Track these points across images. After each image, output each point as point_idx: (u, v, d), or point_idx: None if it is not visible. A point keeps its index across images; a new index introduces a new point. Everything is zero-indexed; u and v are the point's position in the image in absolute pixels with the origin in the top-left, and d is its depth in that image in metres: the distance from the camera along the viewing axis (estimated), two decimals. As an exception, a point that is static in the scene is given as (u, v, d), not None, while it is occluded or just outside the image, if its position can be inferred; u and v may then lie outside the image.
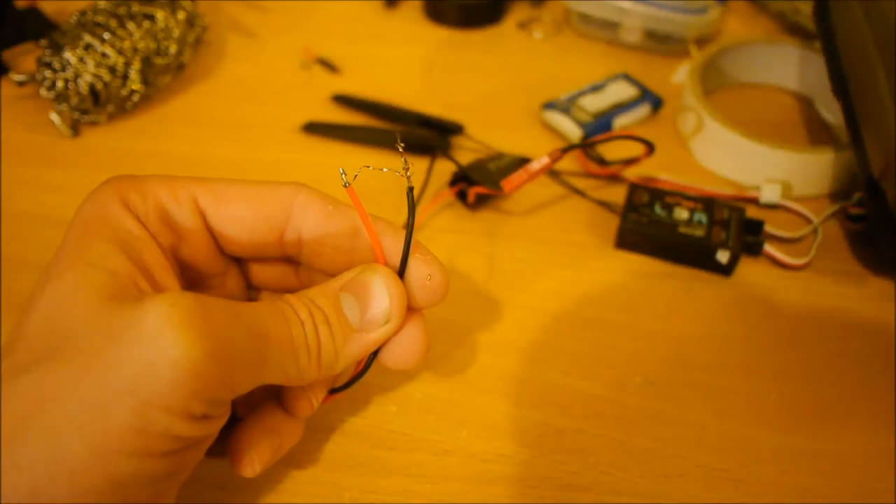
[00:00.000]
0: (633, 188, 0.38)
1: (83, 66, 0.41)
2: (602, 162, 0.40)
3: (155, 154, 0.42)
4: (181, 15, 0.45)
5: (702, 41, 0.49)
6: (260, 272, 0.27)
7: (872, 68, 0.34)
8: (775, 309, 0.34)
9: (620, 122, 0.44)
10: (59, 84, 0.41)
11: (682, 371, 0.32)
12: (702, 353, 0.32)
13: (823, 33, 0.39)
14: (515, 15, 0.54)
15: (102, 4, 0.43)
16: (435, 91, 0.47)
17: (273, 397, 0.26)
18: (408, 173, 0.23)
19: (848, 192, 0.39)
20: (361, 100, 0.45)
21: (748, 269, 0.36)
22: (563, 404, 0.30)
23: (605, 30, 0.51)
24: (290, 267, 0.27)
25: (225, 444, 0.24)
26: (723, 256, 0.35)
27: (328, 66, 0.49)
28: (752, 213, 0.38)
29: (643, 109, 0.44)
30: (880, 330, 0.33)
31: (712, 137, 0.41)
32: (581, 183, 0.40)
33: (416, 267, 0.24)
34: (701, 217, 0.36)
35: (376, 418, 0.30)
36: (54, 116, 0.42)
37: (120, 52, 0.42)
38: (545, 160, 0.35)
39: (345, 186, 0.22)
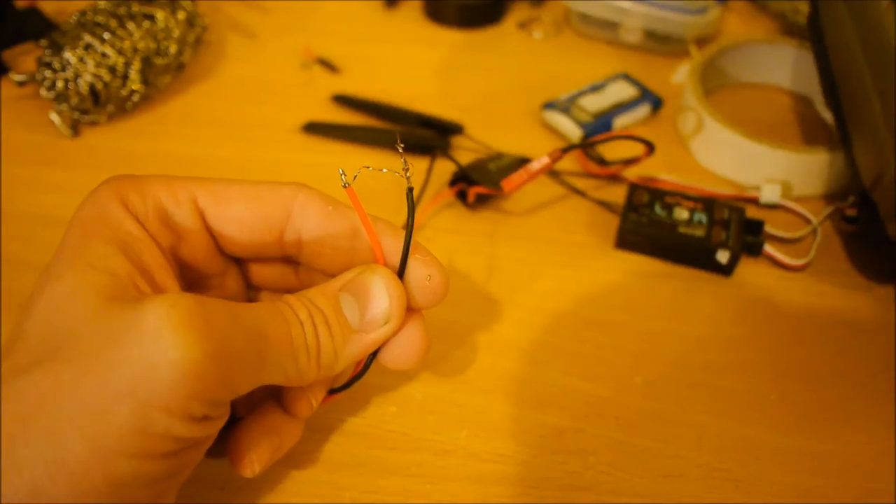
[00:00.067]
0: (633, 188, 0.38)
1: (83, 66, 0.41)
2: (602, 162, 0.40)
3: (155, 154, 0.42)
4: (181, 15, 0.45)
5: (702, 41, 0.49)
6: (260, 272, 0.27)
7: (862, 80, 0.34)
8: (775, 309, 0.34)
9: (620, 122, 0.44)
10: (59, 84, 0.41)
11: (682, 371, 0.32)
12: (702, 353, 0.32)
13: (816, 45, 0.39)
14: (515, 15, 0.54)
15: (102, 4, 0.43)
16: (435, 91, 0.47)
17: (273, 397, 0.26)
18: (408, 173, 0.23)
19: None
20: (361, 100, 0.45)
21: (748, 269, 0.36)
22: (563, 404, 0.30)
23: (605, 30, 0.51)
24: (289, 267, 0.27)
25: (225, 444, 0.24)
26: (723, 256, 0.35)
27: (328, 66, 0.48)
28: (752, 213, 0.38)
29: (643, 109, 0.44)
30: (880, 330, 0.33)
31: (712, 137, 0.41)
32: (581, 183, 0.40)
33: (415, 267, 0.24)
34: (701, 217, 0.36)
35: (376, 418, 0.30)
36: (54, 116, 0.42)
37: (120, 52, 0.42)
38: (545, 160, 0.35)
39: (344, 187, 0.22)
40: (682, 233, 0.35)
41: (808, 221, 0.38)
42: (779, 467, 0.28)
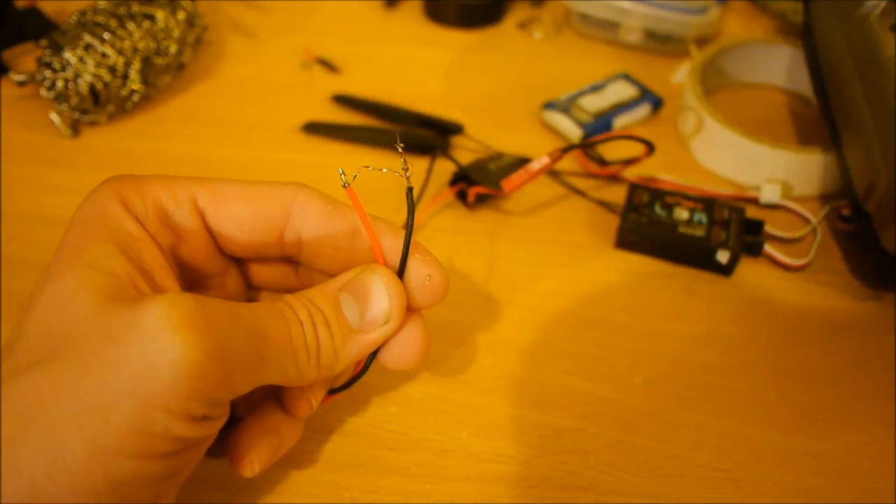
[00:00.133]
0: (633, 188, 0.38)
1: (83, 66, 0.41)
2: (602, 162, 0.40)
3: (155, 154, 0.42)
4: (181, 15, 0.45)
5: (702, 41, 0.49)
6: (260, 272, 0.27)
7: (854, 93, 0.34)
8: (775, 309, 0.34)
9: (620, 122, 0.44)
10: (59, 84, 0.41)
11: (682, 371, 0.32)
12: (702, 353, 0.32)
13: (809, 57, 0.39)
14: (515, 15, 0.54)
15: (102, 4, 0.43)
16: (435, 91, 0.47)
17: (272, 397, 0.26)
18: (407, 173, 0.23)
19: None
20: (361, 100, 0.45)
21: (748, 269, 0.36)
22: (563, 404, 0.30)
23: (605, 30, 0.51)
24: (289, 267, 0.27)
25: (224, 444, 0.24)
26: (723, 256, 0.35)
27: (328, 66, 0.48)
28: (752, 213, 0.38)
29: (643, 109, 0.44)
30: (880, 330, 0.33)
31: (712, 137, 0.41)
32: (581, 183, 0.40)
33: (415, 267, 0.24)
34: (701, 217, 0.36)
35: (376, 418, 0.30)
36: (54, 116, 0.42)
37: (120, 52, 0.42)
38: (545, 160, 0.35)
39: (344, 186, 0.22)
40: (682, 233, 0.35)
41: (807, 221, 0.38)
42: (779, 467, 0.28)
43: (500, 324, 0.33)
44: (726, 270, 0.35)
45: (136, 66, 0.42)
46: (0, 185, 0.40)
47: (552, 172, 0.40)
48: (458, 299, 0.34)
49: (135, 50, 0.42)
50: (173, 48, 0.44)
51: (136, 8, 0.43)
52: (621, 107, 0.44)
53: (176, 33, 0.44)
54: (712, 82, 0.45)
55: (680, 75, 0.48)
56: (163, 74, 0.44)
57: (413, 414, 0.30)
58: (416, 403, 0.30)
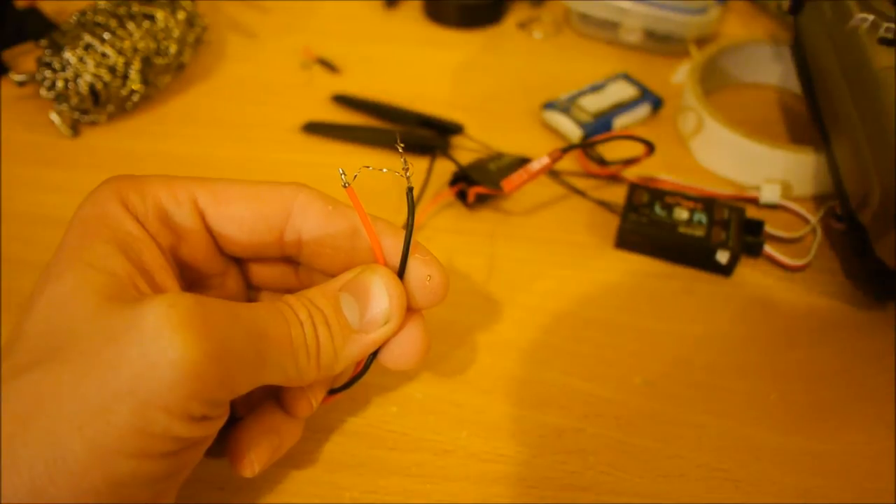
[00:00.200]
0: (633, 188, 0.38)
1: (83, 66, 0.41)
2: (602, 162, 0.40)
3: (155, 154, 0.42)
4: (181, 15, 0.45)
5: (702, 41, 0.49)
6: (260, 272, 0.27)
7: (845, 105, 0.34)
8: (775, 309, 0.34)
9: (620, 122, 0.44)
10: (59, 84, 0.41)
11: (681, 371, 0.32)
12: (701, 353, 0.32)
13: (800, 68, 0.39)
14: (515, 15, 0.54)
15: (102, 4, 0.43)
16: (435, 91, 0.47)
17: (272, 397, 0.26)
18: (408, 173, 0.23)
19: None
20: (361, 100, 0.45)
21: (748, 269, 0.36)
22: (563, 404, 0.30)
23: (605, 30, 0.51)
24: (289, 267, 0.27)
25: (224, 444, 0.24)
26: (723, 257, 0.35)
27: (328, 66, 0.48)
28: (752, 213, 0.38)
29: (643, 109, 0.44)
30: (880, 330, 0.33)
31: (712, 137, 0.41)
32: (581, 183, 0.40)
33: (415, 267, 0.24)
34: (701, 217, 0.36)
35: (376, 418, 0.30)
36: (54, 116, 0.42)
37: (120, 52, 0.42)
38: (545, 160, 0.35)
39: (344, 186, 0.22)
40: (682, 233, 0.35)
41: (807, 221, 0.38)
42: (779, 467, 0.28)
43: (500, 324, 0.33)
44: (726, 270, 0.35)
45: (136, 66, 0.42)
46: (0, 185, 0.40)
47: (552, 172, 0.40)
48: (458, 299, 0.34)
49: (135, 50, 0.42)
50: (173, 48, 0.44)
51: (136, 8, 0.43)
52: (621, 107, 0.44)
53: (176, 33, 0.44)
54: (712, 82, 0.45)
55: (680, 75, 0.48)
56: (163, 74, 0.44)
57: (413, 414, 0.30)
58: (416, 403, 0.30)
